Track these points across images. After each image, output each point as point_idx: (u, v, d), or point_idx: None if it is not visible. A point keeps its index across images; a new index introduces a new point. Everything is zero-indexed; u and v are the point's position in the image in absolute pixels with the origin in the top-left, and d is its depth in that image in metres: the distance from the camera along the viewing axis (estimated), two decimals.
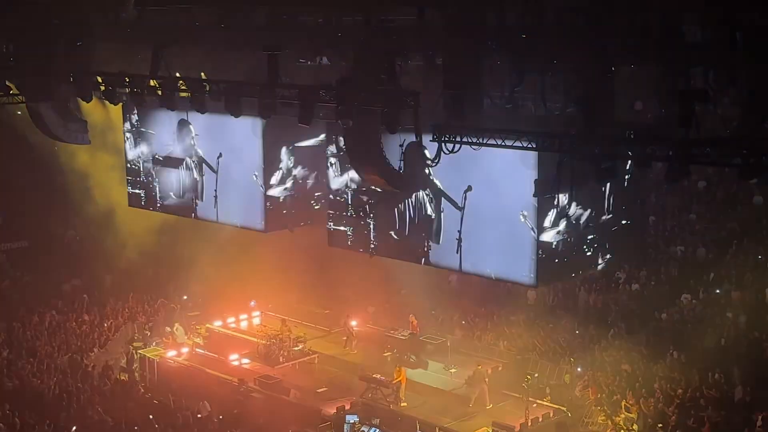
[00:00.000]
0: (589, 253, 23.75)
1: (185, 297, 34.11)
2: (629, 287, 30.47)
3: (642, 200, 26.04)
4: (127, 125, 31.41)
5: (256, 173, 27.96)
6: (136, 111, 30.72)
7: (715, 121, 26.38)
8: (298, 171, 28.40)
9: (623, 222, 24.29)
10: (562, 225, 22.53)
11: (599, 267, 24.40)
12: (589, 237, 23.55)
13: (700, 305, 28.69)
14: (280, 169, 28.14)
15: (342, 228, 26.81)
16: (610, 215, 23.86)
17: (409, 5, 22.68)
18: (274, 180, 28.01)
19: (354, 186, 26.12)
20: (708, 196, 31.99)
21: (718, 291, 28.95)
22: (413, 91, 21.29)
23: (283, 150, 27.93)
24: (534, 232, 22.40)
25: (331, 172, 26.83)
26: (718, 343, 26.88)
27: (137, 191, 31.87)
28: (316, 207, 28.54)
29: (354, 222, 26.41)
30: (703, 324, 27.82)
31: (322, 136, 27.04)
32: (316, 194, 28.59)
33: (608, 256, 24.18)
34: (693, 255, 30.63)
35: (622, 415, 24.97)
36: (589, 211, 23.19)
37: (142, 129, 31.00)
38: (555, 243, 22.71)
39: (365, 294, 32.58)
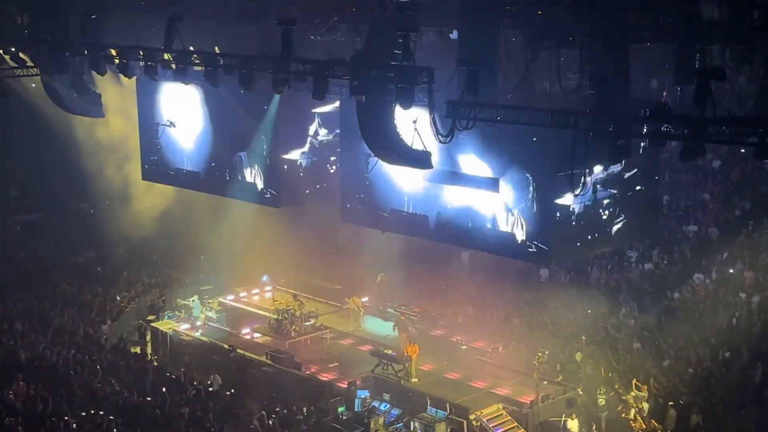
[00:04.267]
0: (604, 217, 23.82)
1: (202, 276, 34.25)
2: (642, 266, 30.41)
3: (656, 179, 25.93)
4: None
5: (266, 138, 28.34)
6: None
7: (731, 100, 26.20)
8: (315, 135, 28.65)
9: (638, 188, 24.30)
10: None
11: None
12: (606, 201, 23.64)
13: (713, 285, 28.63)
14: (297, 134, 28.32)
15: (355, 203, 26.88)
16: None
17: None
18: (291, 145, 28.26)
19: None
20: (722, 175, 31.84)
21: (731, 271, 28.87)
22: (427, 67, 21.18)
23: (302, 115, 28.14)
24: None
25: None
26: (730, 323, 26.86)
27: (151, 165, 32.09)
28: (332, 171, 28.72)
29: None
30: (715, 304, 27.78)
31: (338, 103, 27.06)
32: (332, 158, 28.71)
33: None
34: (706, 235, 30.53)
35: (633, 393, 25.00)
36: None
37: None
38: (572, 207, 22.77)
39: (376, 269, 32.63)
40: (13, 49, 28.55)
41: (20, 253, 34.30)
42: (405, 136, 22.73)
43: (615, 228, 24.16)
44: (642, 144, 22.74)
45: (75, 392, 24.77)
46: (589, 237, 23.68)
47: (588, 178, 21.69)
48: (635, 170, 23.78)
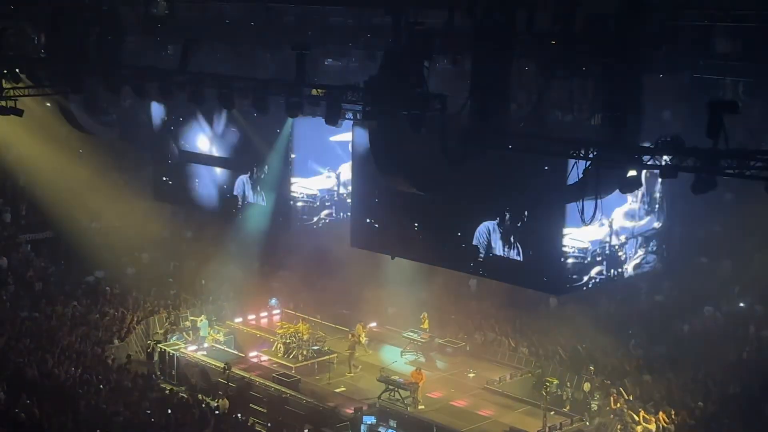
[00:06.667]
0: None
1: (210, 297, 34.24)
2: (652, 297, 30.25)
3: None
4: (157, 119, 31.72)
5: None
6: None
7: (744, 133, 26.20)
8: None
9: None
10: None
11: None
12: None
13: (723, 318, 28.45)
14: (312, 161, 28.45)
15: (365, 228, 26.87)
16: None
17: (439, 8, 22.65)
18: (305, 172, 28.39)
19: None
20: (734, 208, 31.66)
21: (741, 304, 28.70)
22: (440, 94, 21.23)
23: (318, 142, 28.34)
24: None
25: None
26: (740, 357, 26.66)
27: (166, 186, 32.20)
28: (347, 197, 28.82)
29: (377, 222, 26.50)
30: (725, 337, 27.59)
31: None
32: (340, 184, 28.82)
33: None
34: (717, 267, 30.37)
35: (641, 426, 24.80)
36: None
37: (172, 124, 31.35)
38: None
39: (385, 295, 32.57)
40: (28, 68, 28.67)
41: (30, 271, 34.33)
42: (416, 162, 22.77)
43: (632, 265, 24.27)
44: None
45: (81, 411, 24.70)
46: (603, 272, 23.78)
47: (599, 209, 21.65)
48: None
